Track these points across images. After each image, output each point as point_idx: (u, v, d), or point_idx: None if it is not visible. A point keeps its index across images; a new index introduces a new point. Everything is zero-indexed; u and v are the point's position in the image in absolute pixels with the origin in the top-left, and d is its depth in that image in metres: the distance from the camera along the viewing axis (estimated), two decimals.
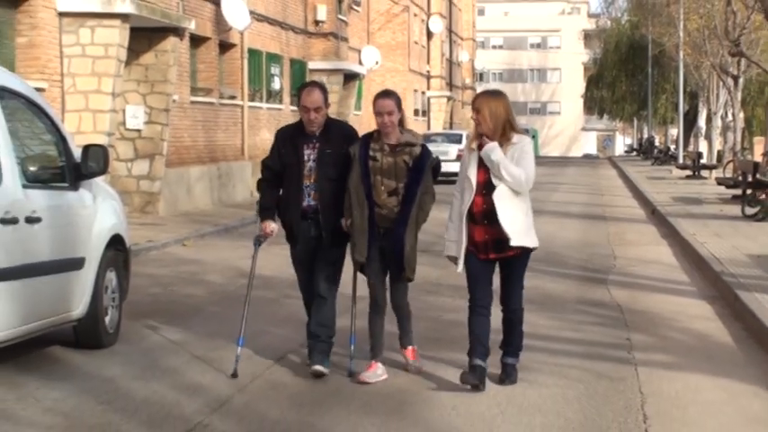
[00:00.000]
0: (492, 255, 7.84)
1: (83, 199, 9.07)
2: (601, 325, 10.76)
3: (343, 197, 8.13)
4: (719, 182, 29.32)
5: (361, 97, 41.09)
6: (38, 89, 11.75)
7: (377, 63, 41.60)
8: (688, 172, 39.95)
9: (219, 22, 26.12)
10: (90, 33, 18.85)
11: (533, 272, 14.40)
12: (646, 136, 74.31)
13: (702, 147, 49.58)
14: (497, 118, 7.76)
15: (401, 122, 8.15)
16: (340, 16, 36.17)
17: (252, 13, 27.29)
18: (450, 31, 64.30)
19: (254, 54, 28.83)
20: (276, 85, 31.19)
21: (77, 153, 9.02)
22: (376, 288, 8.22)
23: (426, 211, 8.15)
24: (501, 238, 7.72)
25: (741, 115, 40.87)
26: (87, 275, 8.96)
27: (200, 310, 11.51)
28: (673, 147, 59.94)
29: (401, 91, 49.13)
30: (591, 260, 16.32)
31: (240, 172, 27.04)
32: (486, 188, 7.72)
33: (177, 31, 21.68)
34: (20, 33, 18.12)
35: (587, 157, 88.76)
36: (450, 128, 53.86)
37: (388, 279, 8.28)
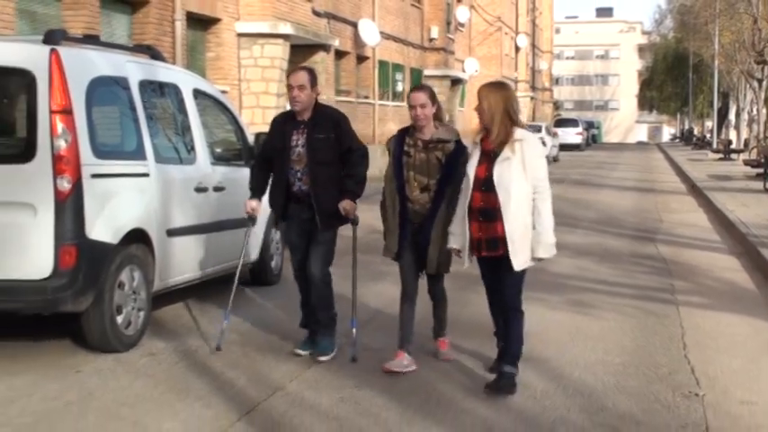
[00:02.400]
0: (483, 252, 5.87)
1: None
2: (650, 273, 10.53)
3: (338, 180, 6.62)
4: (746, 163, 28.42)
5: (464, 97, 40.92)
6: (222, 91, 11.92)
7: (476, 71, 41.17)
8: (720, 155, 38.85)
9: (357, 40, 26.20)
10: (260, 49, 19.05)
11: (596, 231, 14.38)
12: (687, 127, 73.11)
13: (732, 135, 48.75)
14: (495, 111, 5.76)
15: (437, 117, 6.38)
16: (448, 35, 36.04)
17: (381, 32, 27.34)
18: (533, 45, 63.47)
19: (382, 64, 28.83)
20: (399, 87, 31.10)
21: (251, 139, 9.15)
22: (406, 279, 6.45)
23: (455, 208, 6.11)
24: (495, 237, 5.76)
25: (764, 110, 39.74)
26: (258, 230, 9.08)
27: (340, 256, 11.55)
28: (708, 135, 58.56)
29: None
30: (642, 223, 15.99)
31: (372, 154, 27.01)
32: (486, 185, 5.74)
33: (325, 47, 21.78)
34: (209, 49, 18.42)
35: (640, 143, 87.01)
36: (533, 121, 53.07)
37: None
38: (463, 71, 39.37)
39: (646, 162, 41.70)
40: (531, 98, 60.69)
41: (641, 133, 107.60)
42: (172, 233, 7.47)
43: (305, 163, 6.58)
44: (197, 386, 5.88)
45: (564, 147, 45.80)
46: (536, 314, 7.80)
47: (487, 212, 5.76)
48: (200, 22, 17.87)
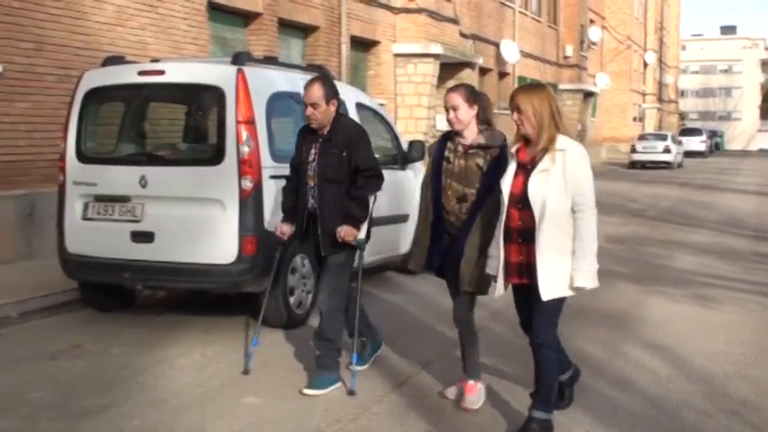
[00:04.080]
0: (525, 279, 4.43)
1: (408, 176, 9.21)
2: None
3: (354, 200, 5.32)
4: None
5: (596, 109, 39.99)
6: (380, 104, 12.05)
7: (607, 85, 40.14)
8: None
9: (499, 58, 25.97)
10: (414, 67, 19.16)
11: (718, 231, 13.76)
12: None
13: None
14: (543, 114, 4.35)
15: (484, 120, 4.95)
16: (582, 52, 35.23)
17: (521, 51, 27.01)
18: (660, 61, 61.25)
19: (521, 80, 28.43)
20: None
21: (405, 146, 9.21)
22: (454, 300, 5.03)
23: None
24: (531, 261, 4.37)
25: None
26: (410, 226, 9.11)
27: None
28: None
29: (623, 104, 47.45)
30: (762, 223, 15.19)
31: None
32: (523, 201, 4.36)
33: (470, 65, 21.67)
34: (370, 68, 18.67)
35: (762, 151, 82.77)
36: (659, 130, 51.26)
37: None
38: (595, 85, 38.44)
39: (766, 168, 39.61)
40: (658, 109, 58.67)
41: (763, 141, 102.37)
42: None
43: (316, 180, 5.41)
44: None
45: (688, 154, 44.03)
46: (660, 306, 7.55)
47: (527, 233, 4.36)
48: (363, 45, 18.13)
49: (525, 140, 4.47)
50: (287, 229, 5.57)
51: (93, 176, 6.98)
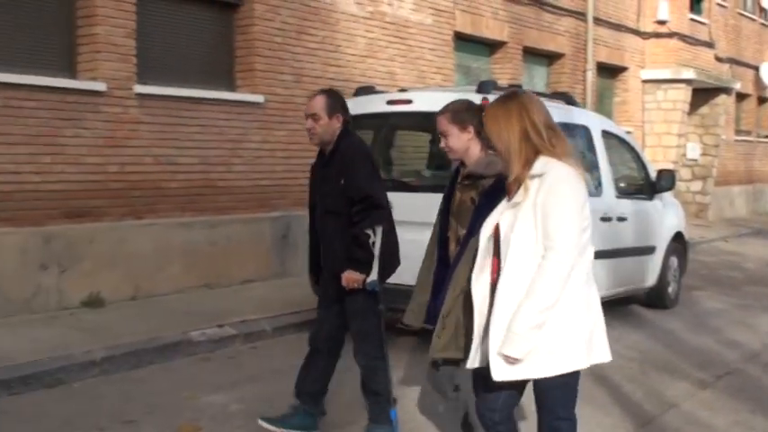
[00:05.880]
0: None
1: (656, 206, 8.89)
2: None
3: (352, 238, 4.43)
4: None
5: None
6: (627, 132, 11.68)
7: None
8: None
9: (758, 82, 24.37)
10: (663, 93, 18.48)
11: None
12: None
13: None
14: (509, 136, 3.16)
15: (489, 145, 3.44)
16: None
17: None
18: None
19: None
20: None
21: (653, 175, 8.90)
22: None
23: None
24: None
25: None
26: (657, 258, 8.80)
27: (738, 287, 10.82)
28: None
29: None
30: None
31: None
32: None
33: (726, 90, 20.54)
34: (616, 94, 18.24)
35: None
36: None
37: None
38: None
39: None
40: None
41: None
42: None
43: (318, 211, 4.68)
44: (598, 395, 5.78)
45: None
46: None
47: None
48: (609, 71, 17.76)
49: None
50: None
51: None
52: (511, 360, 3.04)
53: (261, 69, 9.81)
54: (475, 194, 3.83)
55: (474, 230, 3.46)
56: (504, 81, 12.02)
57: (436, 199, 6.76)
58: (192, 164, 8.99)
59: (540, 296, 3.01)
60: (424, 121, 7.66)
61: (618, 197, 8.21)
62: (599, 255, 7.92)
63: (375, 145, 7.90)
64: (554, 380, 3.11)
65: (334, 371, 4.85)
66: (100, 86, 8.12)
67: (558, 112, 7.70)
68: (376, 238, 4.44)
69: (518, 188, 3.15)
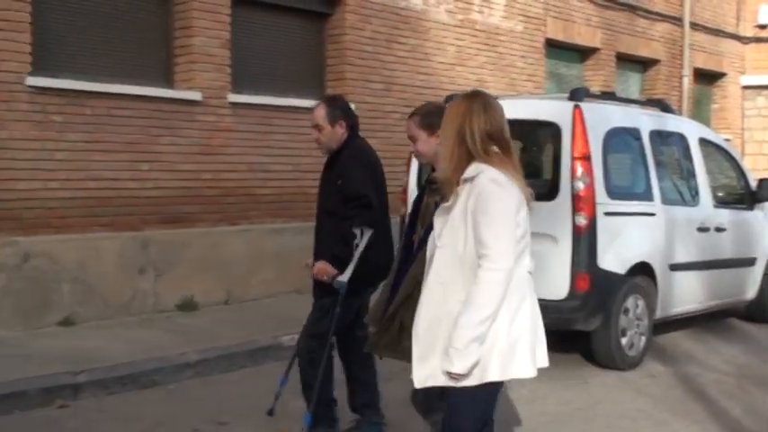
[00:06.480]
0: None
1: (756, 216, 8.59)
2: None
3: (340, 236, 4.48)
4: None
5: None
6: (725, 139, 11.35)
7: None
8: None
9: None
10: (764, 100, 17.93)
11: None
12: None
13: None
14: (445, 135, 3.17)
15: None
16: None
17: None
18: None
19: None
20: None
21: (753, 184, 8.62)
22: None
23: None
24: None
25: None
26: (757, 270, 8.50)
27: None
28: None
29: None
30: None
31: None
32: None
33: None
34: (714, 101, 17.79)
35: None
36: None
37: None
38: None
39: None
40: None
41: None
42: (675, 268, 7.26)
43: (317, 211, 4.81)
44: (694, 410, 5.62)
45: None
46: None
47: None
48: (706, 77, 17.30)
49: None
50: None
51: None
52: (454, 377, 2.94)
53: (351, 78, 9.91)
54: (438, 198, 3.51)
55: (426, 236, 3.37)
56: (596, 88, 11.84)
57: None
58: (283, 171, 9.15)
59: (477, 307, 2.91)
60: (516, 129, 7.53)
61: (716, 207, 7.97)
62: (697, 266, 7.80)
63: None
64: (464, 389, 2.99)
65: (373, 372, 4.84)
66: (195, 96, 8.35)
67: (652, 120, 7.56)
68: (360, 241, 4.43)
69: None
